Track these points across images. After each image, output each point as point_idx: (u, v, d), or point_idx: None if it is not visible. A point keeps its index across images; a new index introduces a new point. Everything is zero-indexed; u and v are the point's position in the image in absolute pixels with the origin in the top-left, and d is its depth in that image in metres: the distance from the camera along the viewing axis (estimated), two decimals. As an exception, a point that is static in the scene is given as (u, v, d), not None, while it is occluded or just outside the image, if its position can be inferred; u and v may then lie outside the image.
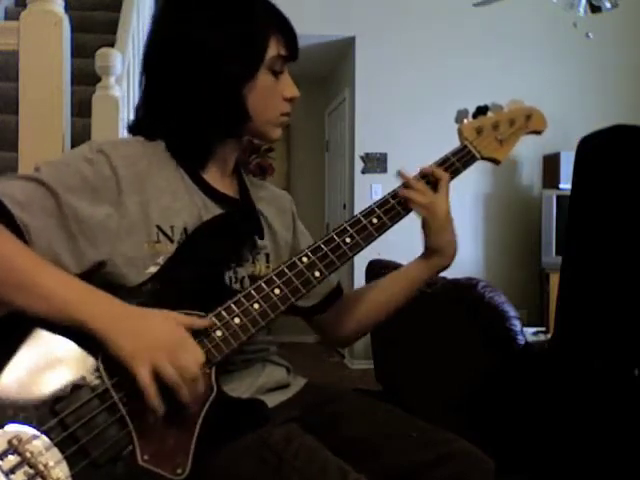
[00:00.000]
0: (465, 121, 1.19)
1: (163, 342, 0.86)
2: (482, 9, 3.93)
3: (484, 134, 1.19)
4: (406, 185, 1.11)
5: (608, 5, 3.48)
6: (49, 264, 0.90)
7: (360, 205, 4.75)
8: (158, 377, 0.85)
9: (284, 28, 1.06)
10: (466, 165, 1.16)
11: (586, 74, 5.02)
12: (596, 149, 1.71)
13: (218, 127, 1.06)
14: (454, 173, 1.15)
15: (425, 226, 1.12)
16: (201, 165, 1.08)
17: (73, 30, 1.71)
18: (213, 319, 0.93)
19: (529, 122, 1.23)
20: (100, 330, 0.85)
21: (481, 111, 1.21)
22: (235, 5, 1.05)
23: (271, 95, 1.06)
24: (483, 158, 1.19)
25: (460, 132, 1.19)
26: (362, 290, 1.26)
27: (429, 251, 1.15)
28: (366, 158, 4.87)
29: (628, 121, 1.71)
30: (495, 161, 1.21)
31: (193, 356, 0.88)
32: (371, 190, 4.80)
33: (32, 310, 0.85)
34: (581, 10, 3.52)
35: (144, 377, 0.84)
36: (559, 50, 4.96)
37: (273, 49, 1.04)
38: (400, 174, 1.13)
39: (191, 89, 1.03)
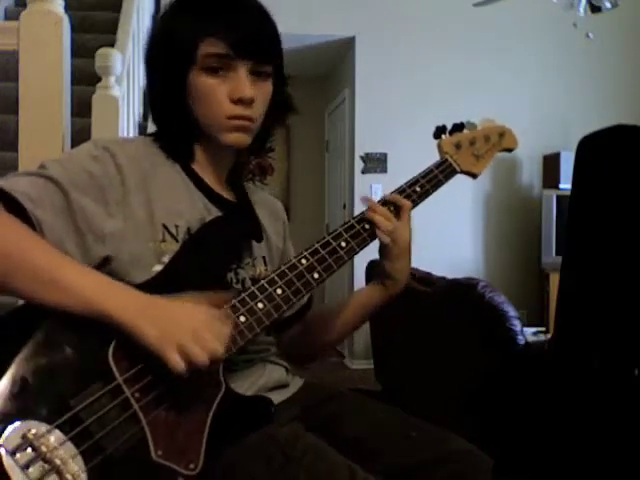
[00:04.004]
0: (443, 137, 1.26)
1: (187, 324, 0.87)
2: (482, 9, 3.94)
3: (462, 149, 1.25)
4: (371, 210, 1.11)
5: (608, 5, 3.49)
6: (68, 257, 0.90)
7: (360, 205, 4.75)
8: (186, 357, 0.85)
9: (224, 25, 1.00)
10: (447, 177, 1.21)
11: (586, 74, 5.02)
12: (596, 149, 1.71)
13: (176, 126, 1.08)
14: (437, 185, 1.19)
15: (383, 252, 1.12)
16: (189, 158, 1.09)
17: (73, 30, 1.71)
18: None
19: (502, 140, 1.31)
20: (125, 320, 0.85)
21: (457, 128, 1.27)
22: (184, 6, 1.06)
23: (210, 97, 1.02)
24: (462, 172, 1.25)
25: (440, 147, 1.25)
26: (322, 312, 1.26)
27: (383, 277, 1.15)
28: (366, 158, 4.87)
29: (628, 121, 1.71)
30: (472, 175, 1.26)
31: (218, 333, 0.88)
32: (371, 190, 4.79)
33: (52, 303, 0.85)
34: (581, 10, 3.52)
35: (175, 360, 0.84)
36: (559, 50, 4.96)
37: (207, 48, 1.00)
38: (363, 200, 1.14)
39: (151, 89, 1.10)
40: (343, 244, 1.07)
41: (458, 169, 1.23)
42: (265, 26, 1.04)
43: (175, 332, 0.86)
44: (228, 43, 1.00)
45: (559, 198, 4.51)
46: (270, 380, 1.09)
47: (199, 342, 0.86)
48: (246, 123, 1.03)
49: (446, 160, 1.22)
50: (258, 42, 1.02)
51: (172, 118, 1.08)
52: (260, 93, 1.04)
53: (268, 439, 0.93)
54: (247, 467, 0.92)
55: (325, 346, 1.29)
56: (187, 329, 0.86)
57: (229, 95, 1.01)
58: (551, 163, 4.69)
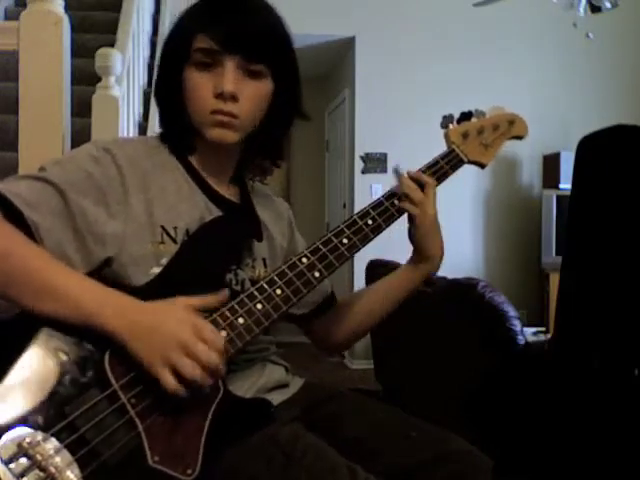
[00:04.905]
0: (451, 126, 1.23)
1: (179, 337, 0.85)
2: (482, 9, 3.94)
3: (470, 139, 1.23)
4: (401, 183, 1.13)
5: (608, 5, 3.49)
6: (63, 265, 0.90)
7: (360, 205, 4.73)
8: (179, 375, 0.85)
9: (214, 21, 1.01)
10: (454, 168, 1.19)
11: (586, 74, 5.03)
12: (596, 149, 1.71)
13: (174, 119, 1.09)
14: (443, 176, 1.18)
15: (413, 230, 1.13)
16: (190, 155, 1.09)
17: (73, 30, 1.71)
18: (217, 318, 0.93)
19: (512, 128, 1.27)
20: (117, 333, 0.85)
21: (465, 117, 1.25)
22: (191, 6, 1.07)
23: (197, 91, 1.02)
24: (469, 162, 1.23)
25: (447, 137, 1.23)
26: (354, 298, 1.26)
27: (418, 257, 1.16)
28: (366, 158, 4.87)
29: (628, 121, 1.71)
30: (481, 165, 1.24)
31: (211, 343, 0.87)
32: (371, 190, 4.79)
33: (46, 311, 0.85)
34: (581, 10, 3.52)
35: (168, 381, 0.84)
36: (559, 50, 4.96)
37: (198, 43, 1.01)
38: (396, 171, 1.14)
39: (155, 86, 1.13)
40: (345, 241, 1.06)
41: (465, 159, 1.21)
42: (257, 23, 1.02)
43: (167, 349, 0.85)
44: (215, 38, 0.99)
45: (559, 198, 4.51)
46: (270, 380, 1.09)
47: (191, 356, 0.85)
48: (227, 119, 1.01)
49: (453, 150, 1.21)
50: (245, 38, 1.00)
51: (172, 115, 1.08)
52: (249, 91, 1.02)
53: (268, 440, 0.93)
54: (248, 468, 0.91)
55: (356, 335, 1.27)
56: (179, 342, 0.85)
57: (213, 90, 1.01)
58: (551, 163, 4.69)
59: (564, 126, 4.90)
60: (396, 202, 1.12)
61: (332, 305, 1.26)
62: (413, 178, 1.13)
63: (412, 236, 1.14)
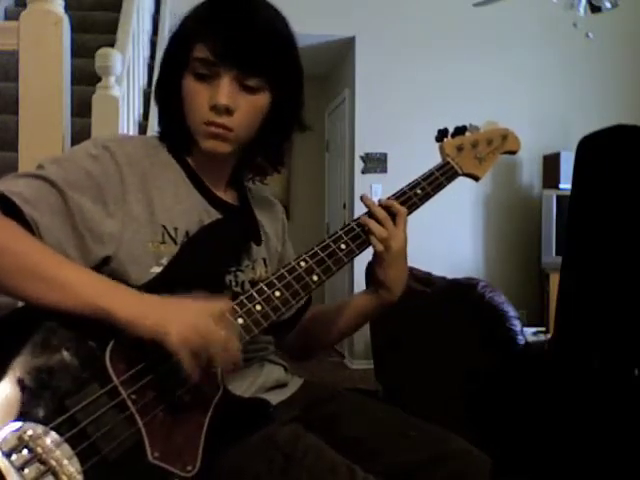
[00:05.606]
0: (445, 139, 1.26)
1: (198, 321, 0.87)
2: (482, 9, 3.94)
3: (464, 152, 1.25)
4: (369, 213, 1.11)
5: (608, 5, 3.49)
6: (65, 258, 0.90)
7: (360, 205, 4.74)
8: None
9: (213, 31, 1.00)
10: (449, 180, 1.21)
11: (586, 74, 5.03)
12: (596, 149, 1.71)
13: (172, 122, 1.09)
14: (438, 187, 1.18)
15: (376, 259, 1.11)
16: (188, 158, 1.09)
17: (73, 30, 1.71)
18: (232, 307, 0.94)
19: (505, 142, 1.31)
20: (126, 316, 0.85)
21: (460, 131, 1.27)
22: (192, 11, 1.06)
23: (193, 101, 1.02)
24: (464, 174, 1.25)
25: (442, 149, 1.25)
26: (320, 313, 1.26)
27: (376, 284, 1.14)
28: (366, 158, 4.87)
29: (628, 121, 1.71)
30: (475, 177, 1.27)
31: (220, 333, 0.88)
32: (371, 190, 4.79)
33: (53, 303, 0.85)
34: (581, 10, 3.52)
35: (187, 361, 0.85)
36: (559, 50, 4.97)
37: (197, 53, 1.00)
38: (363, 199, 1.12)
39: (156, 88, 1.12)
40: (343, 246, 1.07)
41: (460, 171, 1.23)
42: (256, 35, 1.00)
43: (178, 323, 0.85)
44: (213, 50, 0.99)
45: (559, 198, 4.51)
46: (269, 380, 1.10)
47: (212, 339, 0.86)
48: (221, 131, 1.01)
49: (448, 163, 1.22)
50: (242, 52, 0.99)
51: (170, 118, 1.09)
52: (244, 104, 1.01)
53: (268, 441, 0.93)
54: (249, 468, 0.92)
55: (320, 347, 1.29)
56: (195, 326, 0.86)
57: (208, 101, 1.00)
58: (551, 163, 4.69)
59: (564, 126, 4.90)
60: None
61: (306, 310, 1.25)
62: (384, 207, 1.11)
63: (374, 261, 1.12)
